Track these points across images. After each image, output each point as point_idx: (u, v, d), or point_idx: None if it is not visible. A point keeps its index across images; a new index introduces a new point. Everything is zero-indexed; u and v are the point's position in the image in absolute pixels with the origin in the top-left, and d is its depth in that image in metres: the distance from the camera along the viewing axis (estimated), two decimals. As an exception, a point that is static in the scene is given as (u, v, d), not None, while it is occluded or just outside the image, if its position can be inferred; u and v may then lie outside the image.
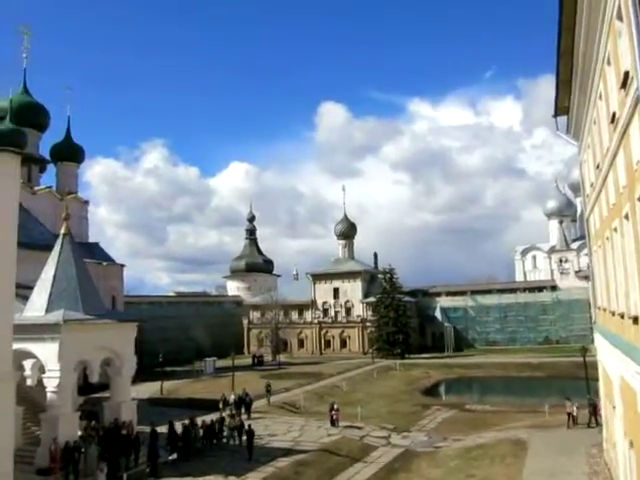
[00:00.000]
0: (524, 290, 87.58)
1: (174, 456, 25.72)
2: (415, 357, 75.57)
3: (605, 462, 19.66)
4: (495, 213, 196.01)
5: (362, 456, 27.75)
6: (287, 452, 26.84)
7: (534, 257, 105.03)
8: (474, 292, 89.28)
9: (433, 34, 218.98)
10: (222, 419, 30.12)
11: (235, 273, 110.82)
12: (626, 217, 10.47)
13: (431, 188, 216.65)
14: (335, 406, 34.78)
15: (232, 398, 36.91)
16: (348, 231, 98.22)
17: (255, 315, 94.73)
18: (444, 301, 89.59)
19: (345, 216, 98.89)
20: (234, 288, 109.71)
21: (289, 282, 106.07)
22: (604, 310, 16.76)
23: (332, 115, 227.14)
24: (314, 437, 30.51)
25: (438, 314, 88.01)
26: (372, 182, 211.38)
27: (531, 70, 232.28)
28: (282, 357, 78.03)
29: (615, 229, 12.18)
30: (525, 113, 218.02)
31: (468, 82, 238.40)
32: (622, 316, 12.17)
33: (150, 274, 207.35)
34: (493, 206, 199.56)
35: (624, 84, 9.05)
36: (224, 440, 28.80)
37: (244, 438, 27.17)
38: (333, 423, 33.75)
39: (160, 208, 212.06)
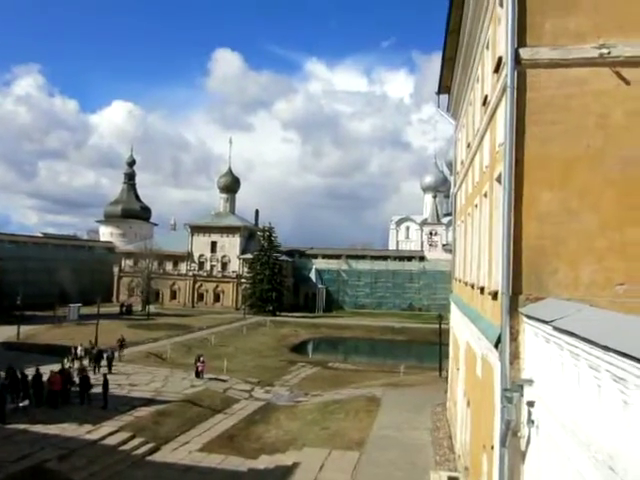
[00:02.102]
0: (395, 258, 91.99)
1: (26, 402, 24.49)
2: (287, 315, 77.18)
3: (447, 419, 21.44)
4: (378, 182, 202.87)
5: (224, 407, 28.19)
6: (148, 402, 26.59)
7: (407, 228, 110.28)
8: (349, 257, 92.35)
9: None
10: (63, 370, 27.42)
11: (109, 218, 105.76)
12: (485, 195, 11.25)
13: (320, 151, 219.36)
14: (201, 358, 34.81)
15: (80, 350, 35.50)
16: (231, 185, 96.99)
17: (128, 263, 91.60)
18: (320, 263, 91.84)
19: (230, 170, 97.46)
20: (107, 234, 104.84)
21: (166, 232, 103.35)
22: (460, 281, 18.04)
23: (227, 63, 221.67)
24: (177, 388, 30.45)
25: (313, 275, 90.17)
26: (262, 138, 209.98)
27: (427, 45, 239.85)
28: (153, 308, 76.43)
29: (476, 206, 13.04)
30: (417, 87, 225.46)
31: (366, 49, 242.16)
32: (473, 287, 13.17)
33: (17, 212, 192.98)
34: (377, 175, 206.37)
35: (497, 69, 9.57)
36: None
37: (95, 390, 26.05)
38: (198, 375, 33.80)
39: (31, 140, 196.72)
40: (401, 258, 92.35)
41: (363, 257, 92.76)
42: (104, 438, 20.98)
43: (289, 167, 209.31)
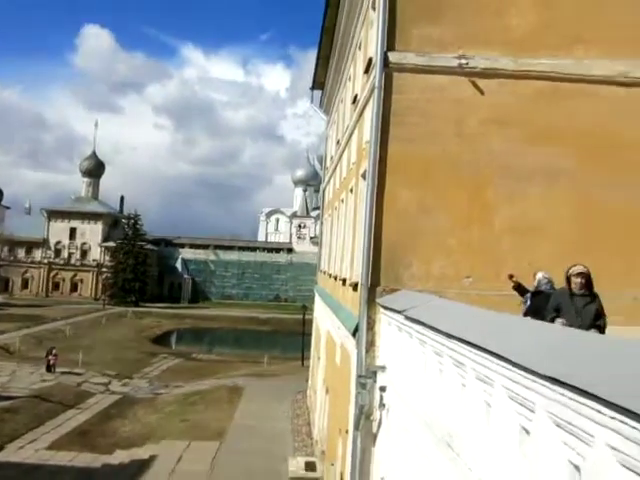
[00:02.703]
0: (263, 250, 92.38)
1: None
2: (150, 306, 74.66)
3: (307, 406, 21.99)
4: (250, 173, 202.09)
5: (77, 402, 26.76)
6: (-10, 398, 24.52)
7: (277, 220, 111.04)
8: (217, 247, 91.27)
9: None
10: None
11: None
12: (351, 190, 11.68)
13: (192, 138, 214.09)
14: (54, 351, 32.74)
15: None
16: (95, 169, 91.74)
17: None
18: (187, 253, 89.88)
19: (94, 153, 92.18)
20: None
21: (20, 216, 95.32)
22: (324, 273, 18.57)
23: (96, 41, 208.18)
24: (25, 383, 28.47)
25: (179, 265, 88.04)
26: (131, 122, 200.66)
27: (304, 41, 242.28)
28: (0, 298, 70.36)
29: (342, 200, 13.49)
30: (293, 82, 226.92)
31: (243, 40, 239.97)
32: (336, 278, 13.63)
33: None
34: (250, 166, 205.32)
35: (367, 69, 9.96)
36: None
37: None
38: (50, 369, 31.74)
39: None
40: (269, 249, 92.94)
41: (231, 248, 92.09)
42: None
43: (159, 153, 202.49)
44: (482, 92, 8.24)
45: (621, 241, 8.17)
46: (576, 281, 5.96)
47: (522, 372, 3.30)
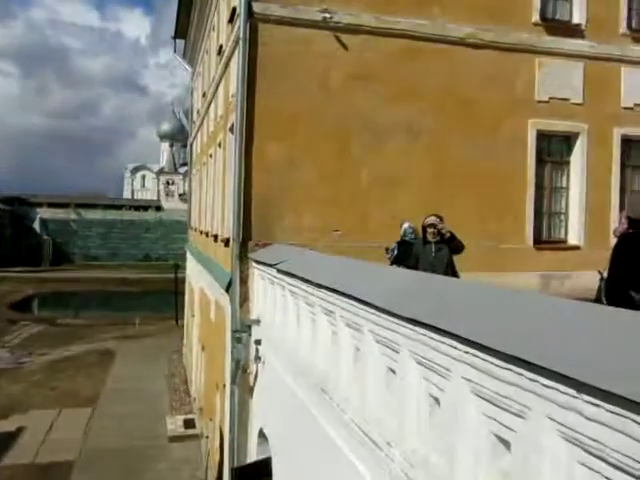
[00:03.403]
0: (130, 208, 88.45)
1: None
2: (6, 270, 69.11)
3: (183, 365, 21.85)
4: (112, 126, 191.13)
5: None
6: None
7: (144, 177, 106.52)
8: (79, 205, 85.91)
9: None
10: None
11: None
12: (219, 145, 11.46)
13: (44, 88, 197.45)
14: None
15: None
16: None
17: None
18: (45, 212, 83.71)
19: None
20: None
21: None
22: (195, 230, 18.25)
23: None
24: None
25: (37, 225, 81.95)
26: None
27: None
28: None
29: (210, 155, 13.22)
30: (154, 29, 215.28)
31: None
32: (207, 235, 13.46)
33: None
34: (110, 119, 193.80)
35: (231, 19, 9.67)
36: None
37: None
38: None
39: None
40: (137, 208, 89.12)
41: (95, 206, 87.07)
42: None
43: (7, 103, 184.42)
44: (346, 47, 8.36)
45: (475, 193, 8.85)
46: (429, 230, 6.44)
47: (386, 316, 3.52)
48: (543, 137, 9.57)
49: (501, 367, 2.35)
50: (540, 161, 9.61)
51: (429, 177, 8.67)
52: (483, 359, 2.49)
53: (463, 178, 8.75)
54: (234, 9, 9.18)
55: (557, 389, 2.02)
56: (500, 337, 2.40)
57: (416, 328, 3.13)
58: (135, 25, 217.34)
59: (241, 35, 8.12)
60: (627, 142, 10.08)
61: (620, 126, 9.85)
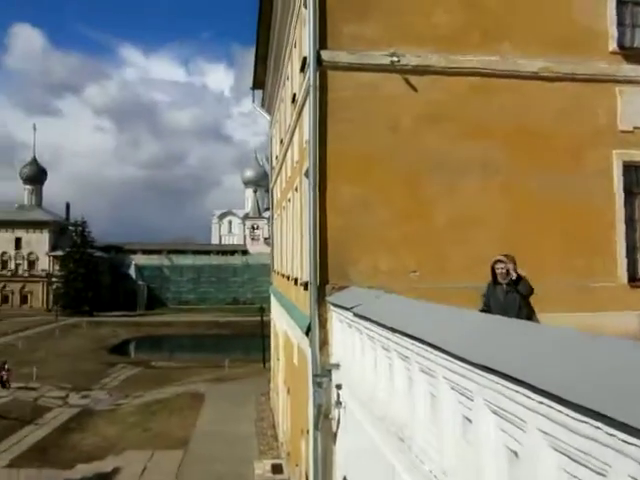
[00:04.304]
0: (218, 253, 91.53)
1: None
2: (105, 315, 73.10)
3: (270, 408, 21.95)
4: (199, 175, 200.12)
5: (34, 418, 26.03)
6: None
7: (230, 222, 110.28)
8: (170, 252, 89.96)
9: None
10: None
11: None
12: (296, 189, 11.70)
13: (137, 141, 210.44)
14: (6, 366, 31.86)
15: None
16: (36, 175, 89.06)
17: None
18: (139, 259, 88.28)
19: (34, 158, 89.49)
20: None
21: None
22: (278, 273, 18.55)
23: (27, 40, 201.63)
24: (-23, 401, 27.49)
25: (132, 272, 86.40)
26: (71, 125, 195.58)
27: (246, 38, 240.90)
28: (-57, 316, 67.56)
29: (289, 200, 13.50)
30: (237, 80, 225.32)
31: (184, 39, 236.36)
32: (288, 278, 13.64)
33: None
34: (197, 168, 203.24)
35: (303, 68, 9.98)
36: None
37: None
38: (3, 385, 30.87)
39: None
40: (224, 252, 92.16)
41: (185, 252, 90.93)
42: None
43: (103, 157, 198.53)
44: (415, 89, 8.38)
45: (557, 230, 8.48)
46: (496, 271, 6.19)
47: (459, 362, 3.40)
48: (630, 168, 9.06)
49: (577, 420, 2.20)
50: (629, 193, 9.07)
51: (507, 215, 8.41)
52: (558, 410, 2.34)
53: (543, 214, 8.41)
54: (304, 59, 9.48)
55: (637, 445, 1.87)
56: (574, 387, 2.26)
57: (489, 375, 3.00)
58: (219, 78, 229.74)
59: (311, 83, 8.34)
60: None
61: None
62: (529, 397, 2.58)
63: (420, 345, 4.18)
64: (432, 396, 4.09)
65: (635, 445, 1.88)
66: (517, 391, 2.70)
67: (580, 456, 2.22)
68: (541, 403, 2.48)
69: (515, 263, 6.25)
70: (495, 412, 3.00)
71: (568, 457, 2.32)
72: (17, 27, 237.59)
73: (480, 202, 8.40)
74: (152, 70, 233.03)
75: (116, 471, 17.33)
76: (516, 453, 2.83)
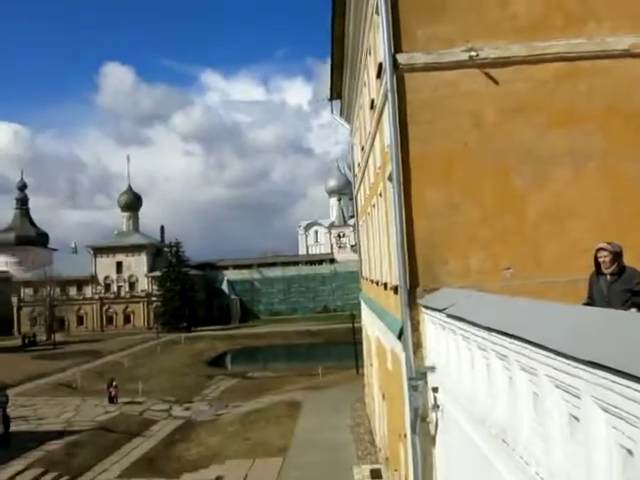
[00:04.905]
0: (306, 263, 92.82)
1: None
2: (201, 330, 75.81)
3: (366, 414, 21.94)
4: (283, 189, 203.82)
5: (141, 430, 27.36)
6: (59, 434, 25.24)
7: (316, 232, 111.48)
8: (260, 265, 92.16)
9: (224, 7, 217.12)
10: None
11: (3, 247, 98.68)
12: (380, 195, 11.69)
13: (223, 162, 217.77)
14: (114, 383, 33.64)
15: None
16: (132, 203, 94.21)
17: (27, 292, 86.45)
18: (231, 274, 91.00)
19: (129, 187, 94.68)
20: (2, 263, 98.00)
21: (67, 256, 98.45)
22: (367, 279, 18.56)
23: (117, 78, 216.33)
24: (90, 416, 29.21)
25: (225, 287, 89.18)
26: (161, 152, 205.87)
27: (320, 51, 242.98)
28: (59, 336, 72.52)
29: (373, 205, 13.50)
30: (314, 93, 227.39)
31: (260, 59, 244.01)
32: (377, 283, 13.63)
33: None
34: (282, 182, 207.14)
35: (379, 74, 9.99)
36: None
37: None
38: (112, 400, 32.61)
39: None
40: (312, 262, 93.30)
41: (274, 264, 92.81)
42: (12, 478, 19.71)
43: (193, 180, 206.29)
44: (496, 81, 8.16)
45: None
46: (599, 260, 5.86)
47: (562, 359, 3.28)
48: None
49: (696, 414, 2.07)
50: None
51: (605, 202, 7.99)
52: (675, 405, 2.21)
53: (645, 200, 7.92)
54: (380, 64, 9.49)
55: None
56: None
57: (597, 371, 2.87)
58: (297, 92, 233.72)
59: (389, 87, 8.33)
60: None
61: None
62: (640, 392, 2.46)
63: (519, 343, 4.05)
64: (535, 395, 3.95)
65: None
66: (628, 386, 2.57)
67: (702, 452, 2.09)
68: (656, 398, 2.36)
69: (621, 252, 5.89)
70: (605, 409, 2.87)
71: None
72: (108, 66, 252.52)
73: (574, 191, 8.03)
74: (232, 92, 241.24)
75: (219, 479, 17.89)
76: (630, 451, 2.69)
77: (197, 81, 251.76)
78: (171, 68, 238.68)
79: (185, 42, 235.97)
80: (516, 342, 4.15)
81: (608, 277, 5.85)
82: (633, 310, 5.39)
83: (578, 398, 3.18)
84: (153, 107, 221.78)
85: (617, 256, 5.81)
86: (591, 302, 5.85)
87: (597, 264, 5.94)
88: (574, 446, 3.31)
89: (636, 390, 2.49)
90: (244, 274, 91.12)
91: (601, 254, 5.86)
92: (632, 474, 2.68)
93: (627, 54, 8.08)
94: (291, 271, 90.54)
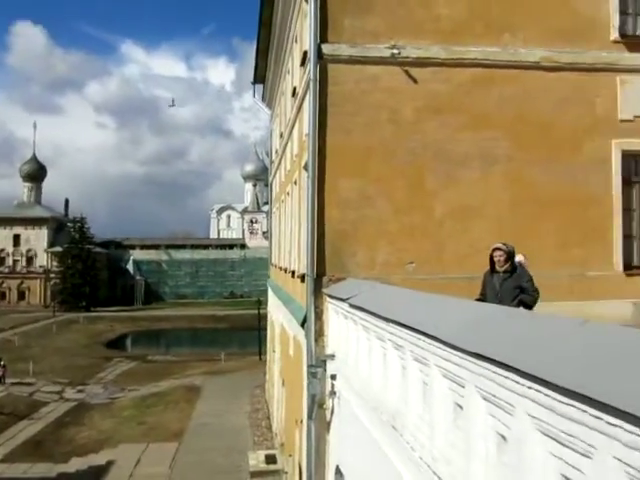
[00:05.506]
0: (216, 247, 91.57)
1: None
2: (102, 310, 73.07)
3: (266, 400, 22.02)
4: (199, 170, 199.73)
5: (30, 412, 26.20)
6: None
7: (229, 216, 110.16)
8: (168, 246, 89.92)
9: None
10: None
11: None
12: (295, 183, 11.72)
13: (138, 137, 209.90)
14: (1, 362, 31.88)
15: None
16: (36, 173, 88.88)
17: None
18: (138, 254, 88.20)
19: (34, 156, 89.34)
20: None
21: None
22: (275, 266, 18.59)
23: (30, 38, 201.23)
24: (-28, 397, 27.55)
25: (130, 267, 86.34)
26: (72, 122, 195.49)
27: (247, 33, 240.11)
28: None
29: (288, 193, 13.52)
30: (238, 75, 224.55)
31: (185, 34, 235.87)
32: (286, 271, 13.68)
33: None
34: (198, 163, 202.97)
35: (303, 62, 9.98)
36: None
37: None
38: (-1, 381, 30.90)
39: None
40: (222, 246, 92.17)
41: (184, 246, 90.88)
42: None
43: (103, 154, 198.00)
44: (415, 81, 8.38)
45: (556, 219, 8.51)
46: (494, 259, 6.23)
47: (451, 350, 3.44)
48: (629, 157, 9.07)
49: (564, 403, 2.23)
50: (627, 182, 9.09)
51: (506, 205, 8.44)
52: (546, 395, 2.37)
53: (543, 204, 8.44)
54: (305, 52, 9.47)
55: (622, 427, 1.89)
56: (563, 371, 2.28)
57: (481, 362, 3.03)
58: (220, 73, 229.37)
59: (312, 76, 8.34)
60: None
61: None
62: (518, 382, 2.61)
63: (413, 334, 4.21)
64: (424, 384, 4.12)
65: (620, 427, 1.90)
66: (507, 377, 2.73)
67: (567, 439, 2.25)
68: (530, 388, 2.51)
69: (513, 252, 6.27)
70: (485, 398, 3.03)
71: (555, 440, 2.34)
72: (19, 25, 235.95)
73: (480, 192, 8.42)
74: (153, 66, 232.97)
75: (110, 464, 17.41)
76: (505, 437, 2.86)
77: (117, 51, 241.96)
78: (89, 35, 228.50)
79: (106, 9, 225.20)
80: (411, 333, 4.30)
81: (501, 275, 6.22)
82: (521, 308, 5.76)
83: (463, 387, 3.35)
84: (67, 74, 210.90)
85: (510, 256, 6.19)
86: (483, 298, 6.19)
87: (492, 262, 6.29)
88: (456, 432, 3.48)
89: (513, 380, 2.65)
90: (151, 254, 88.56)
91: (496, 253, 6.22)
92: (505, 458, 2.85)
93: (537, 66, 8.55)
94: (200, 254, 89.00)
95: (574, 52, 8.64)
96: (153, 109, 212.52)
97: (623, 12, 9.00)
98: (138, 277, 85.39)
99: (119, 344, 56.61)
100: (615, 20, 8.91)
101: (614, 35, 8.90)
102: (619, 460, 1.92)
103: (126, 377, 36.22)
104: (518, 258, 6.87)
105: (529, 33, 8.57)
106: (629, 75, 8.89)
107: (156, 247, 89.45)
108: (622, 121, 8.86)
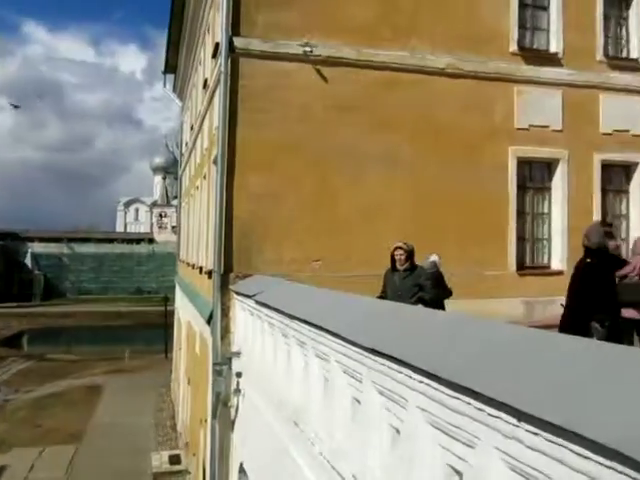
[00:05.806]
0: (123, 241, 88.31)
1: None
2: (-4, 306, 68.62)
3: (171, 400, 21.52)
4: (105, 160, 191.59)
5: None
6: None
7: (137, 210, 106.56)
8: (71, 240, 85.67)
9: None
10: None
11: None
12: (205, 177, 11.52)
13: (38, 121, 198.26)
14: None
15: None
16: None
17: None
18: (37, 247, 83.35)
19: None
20: None
21: None
22: (183, 262, 18.20)
23: None
24: None
25: (28, 261, 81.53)
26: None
27: (159, 20, 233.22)
28: None
29: (197, 187, 13.27)
30: (149, 63, 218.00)
31: (93, 18, 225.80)
32: (193, 267, 13.42)
33: None
34: (105, 152, 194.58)
35: (215, 54, 9.82)
36: None
37: None
38: None
39: None
40: (129, 241, 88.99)
41: (87, 240, 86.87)
42: None
43: (0, 137, 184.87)
44: (326, 80, 8.48)
45: (456, 221, 8.89)
46: (395, 257, 6.44)
47: (349, 345, 3.50)
48: (524, 164, 9.66)
49: (451, 396, 2.33)
50: (522, 187, 9.68)
51: (410, 206, 8.72)
52: (435, 388, 2.46)
53: (444, 206, 8.81)
54: (217, 44, 9.33)
55: (501, 418, 1.99)
56: (449, 365, 2.38)
57: (376, 357, 3.10)
58: (131, 60, 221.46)
59: (223, 69, 8.24)
60: (607, 167, 10.19)
61: (600, 152, 9.96)
62: (411, 377, 2.69)
63: (314, 330, 4.25)
64: (326, 380, 4.17)
65: (500, 418, 2.00)
66: (400, 372, 2.81)
67: (453, 430, 2.34)
68: (421, 382, 2.60)
69: (413, 251, 6.49)
70: (381, 392, 3.11)
71: (443, 432, 2.44)
72: None
73: (384, 193, 8.65)
74: (59, 49, 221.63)
75: (2, 469, 16.36)
76: (398, 430, 2.94)
77: (18, 31, 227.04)
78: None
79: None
80: (312, 329, 4.34)
81: (401, 273, 6.42)
82: (420, 306, 5.96)
83: (360, 382, 3.42)
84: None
85: (410, 254, 6.41)
86: (385, 295, 6.36)
87: (393, 261, 6.48)
88: (354, 426, 3.55)
89: (406, 375, 2.74)
90: (52, 248, 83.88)
91: (397, 252, 6.42)
92: (398, 452, 2.94)
93: (442, 72, 8.90)
94: (105, 248, 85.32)
95: (477, 60, 9.07)
96: (57, 93, 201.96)
97: (522, 26, 9.55)
98: (37, 272, 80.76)
99: (15, 342, 53.28)
100: (514, 33, 9.43)
101: (513, 47, 9.42)
102: (498, 449, 2.02)
103: (21, 377, 34.13)
104: (433, 257, 7.13)
105: (436, 40, 8.93)
106: (525, 86, 9.44)
107: (57, 240, 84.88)
108: (518, 129, 9.40)
